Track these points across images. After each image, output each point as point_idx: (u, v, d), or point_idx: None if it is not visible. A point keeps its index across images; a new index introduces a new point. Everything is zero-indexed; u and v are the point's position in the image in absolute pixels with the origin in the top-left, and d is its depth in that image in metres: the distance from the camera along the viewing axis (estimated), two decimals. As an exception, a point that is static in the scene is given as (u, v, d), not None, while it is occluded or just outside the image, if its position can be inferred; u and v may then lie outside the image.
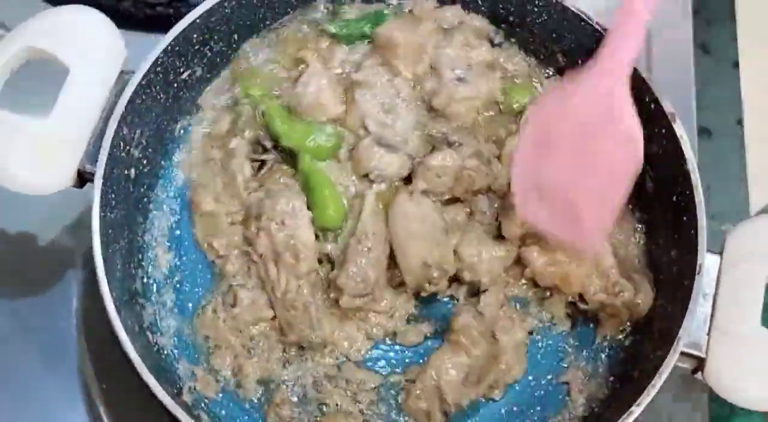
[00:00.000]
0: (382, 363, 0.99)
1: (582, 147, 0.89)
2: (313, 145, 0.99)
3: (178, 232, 1.02)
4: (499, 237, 0.99)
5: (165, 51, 0.95)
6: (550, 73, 1.08)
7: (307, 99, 1.00)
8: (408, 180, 0.99)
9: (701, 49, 1.24)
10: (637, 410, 0.85)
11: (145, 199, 1.00)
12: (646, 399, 0.86)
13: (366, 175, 0.99)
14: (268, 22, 1.04)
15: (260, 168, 1.01)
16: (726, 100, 1.20)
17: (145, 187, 1.00)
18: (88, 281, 1.05)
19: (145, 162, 0.99)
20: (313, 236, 0.97)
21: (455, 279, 0.99)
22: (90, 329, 1.04)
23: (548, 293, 1.00)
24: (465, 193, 0.99)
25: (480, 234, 0.99)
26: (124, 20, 1.12)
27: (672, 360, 0.87)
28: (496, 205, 1.01)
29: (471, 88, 1.02)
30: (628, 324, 0.98)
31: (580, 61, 1.03)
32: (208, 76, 1.04)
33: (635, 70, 0.97)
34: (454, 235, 0.98)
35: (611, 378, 0.97)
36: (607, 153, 0.88)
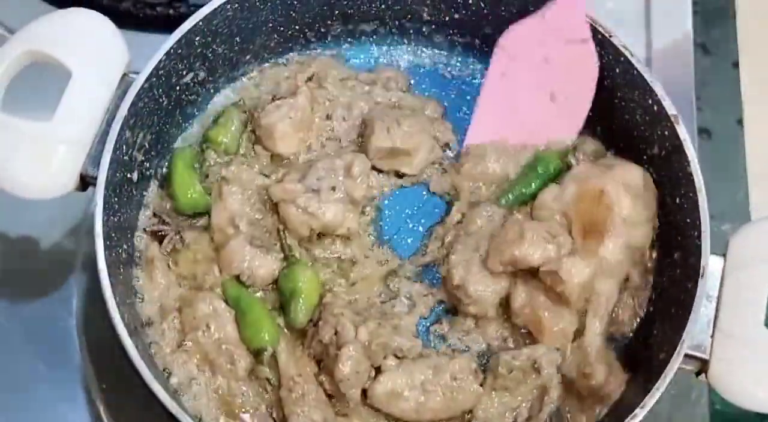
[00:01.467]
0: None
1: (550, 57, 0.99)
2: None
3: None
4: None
5: (168, 54, 0.95)
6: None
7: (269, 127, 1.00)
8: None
9: (701, 49, 1.24)
10: (641, 412, 0.85)
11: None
12: (650, 401, 0.86)
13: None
14: (270, 26, 1.04)
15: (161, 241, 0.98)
16: (726, 100, 1.20)
17: (147, 190, 1.00)
18: (88, 282, 1.06)
19: (147, 165, 0.99)
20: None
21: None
22: (90, 329, 1.04)
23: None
24: (385, 353, 0.93)
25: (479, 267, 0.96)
26: (124, 20, 1.12)
27: (676, 363, 0.87)
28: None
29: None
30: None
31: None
32: (210, 78, 1.04)
33: (638, 72, 0.97)
34: None
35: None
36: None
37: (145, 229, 0.98)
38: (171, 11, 1.15)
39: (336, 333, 0.92)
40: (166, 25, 1.08)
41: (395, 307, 0.98)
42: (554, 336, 0.95)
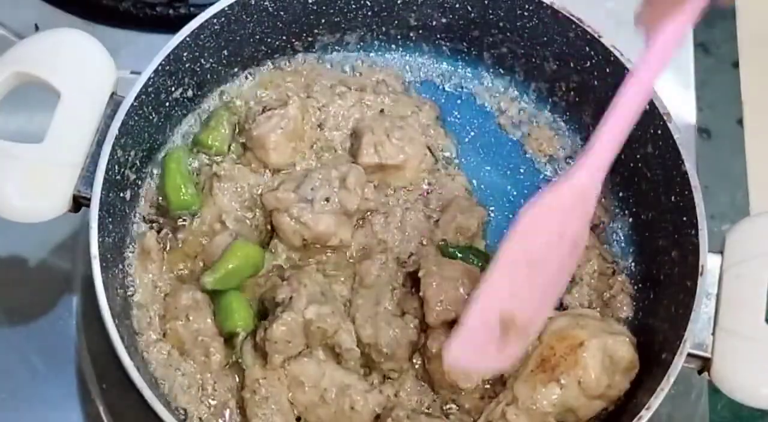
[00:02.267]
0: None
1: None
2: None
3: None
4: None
5: (156, 71, 0.94)
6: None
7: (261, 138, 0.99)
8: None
9: (701, 49, 1.23)
10: (646, 414, 0.85)
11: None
12: (655, 402, 0.85)
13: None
14: (257, 37, 1.03)
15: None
16: (726, 100, 1.20)
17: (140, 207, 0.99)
18: (88, 282, 1.03)
19: (139, 183, 0.99)
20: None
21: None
22: (90, 329, 1.04)
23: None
24: (323, 341, 0.94)
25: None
26: (124, 20, 1.14)
27: (680, 362, 0.87)
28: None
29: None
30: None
31: (572, 64, 1.04)
32: (199, 93, 1.03)
33: (628, 71, 0.97)
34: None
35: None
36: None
37: (144, 217, 0.99)
38: (171, 11, 1.14)
39: (291, 298, 0.92)
40: (166, 25, 1.09)
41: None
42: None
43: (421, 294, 0.94)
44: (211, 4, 0.96)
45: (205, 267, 0.97)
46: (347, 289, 0.98)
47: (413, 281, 0.97)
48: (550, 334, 0.92)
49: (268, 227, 0.99)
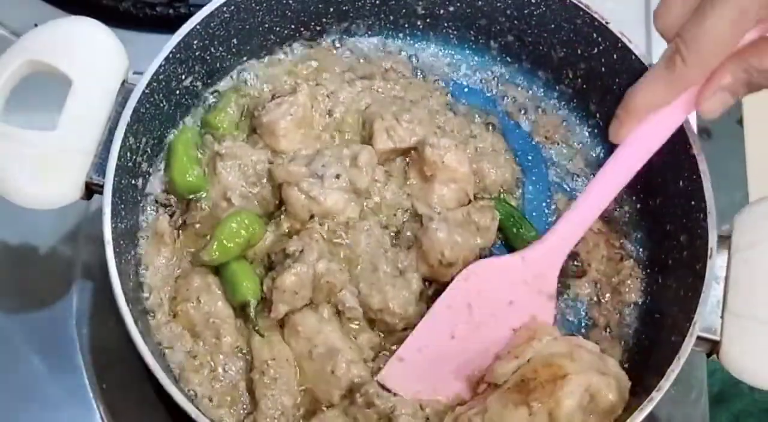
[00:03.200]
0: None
1: (500, 310, 0.94)
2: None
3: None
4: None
5: (167, 59, 0.95)
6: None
7: (271, 125, 1.00)
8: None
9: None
10: (657, 395, 0.86)
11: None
12: (666, 384, 0.86)
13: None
14: (266, 26, 1.04)
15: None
16: None
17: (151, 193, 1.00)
18: (88, 282, 1.06)
19: (150, 170, 0.99)
20: (232, 310, 0.95)
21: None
22: (90, 329, 1.04)
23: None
24: (328, 297, 0.95)
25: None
26: (124, 20, 1.14)
27: (689, 345, 0.87)
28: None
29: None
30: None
31: (579, 51, 1.04)
32: (209, 81, 1.04)
33: (636, 57, 0.98)
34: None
35: (626, 366, 0.97)
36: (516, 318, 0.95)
37: (156, 200, 0.99)
38: (171, 11, 1.15)
39: (302, 251, 0.93)
40: (166, 25, 1.08)
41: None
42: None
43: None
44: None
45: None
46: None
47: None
48: (540, 357, 0.90)
49: (276, 201, 1.00)
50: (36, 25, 1.08)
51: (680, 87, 0.86)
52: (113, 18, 1.12)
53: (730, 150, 1.17)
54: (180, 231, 0.99)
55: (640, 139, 0.92)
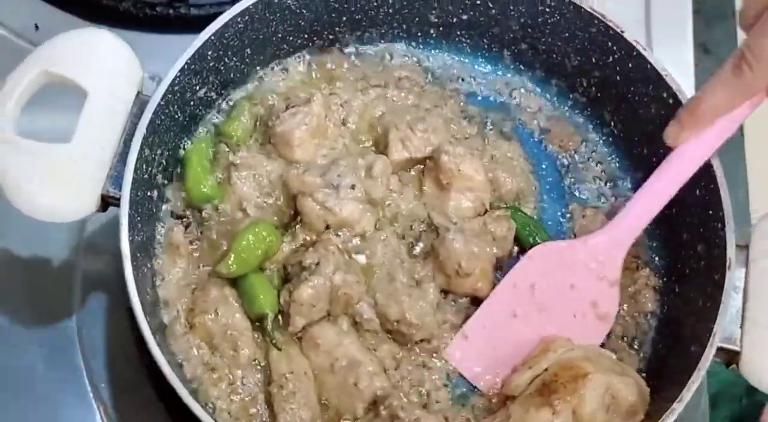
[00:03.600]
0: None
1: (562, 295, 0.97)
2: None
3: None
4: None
5: (182, 70, 0.94)
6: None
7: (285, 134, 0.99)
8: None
9: (701, 49, 1.24)
10: (678, 407, 0.86)
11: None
12: (687, 395, 0.86)
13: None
14: (280, 35, 1.04)
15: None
16: None
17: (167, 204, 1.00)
18: (88, 282, 1.05)
19: (165, 182, 0.99)
20: (249, 322, 0.95)
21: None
22: (90, 329, 1.03)
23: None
24: (345, 309, 0.95)
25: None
26: (124, 20, 1.14)
27: (710, 355, 0.87)
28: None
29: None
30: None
31: (593, 60, 1.04)
32: (222, 91, 1.03)
33: (651, 66, 0.98)
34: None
35: (643, 375, 0.96)
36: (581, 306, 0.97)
37: (172, 213, 0.99)
38: (171, 11, 1.14)
39: (318, 263, 0.93)
40: (166, 25, 1.08)
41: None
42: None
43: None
44: (217, 3, 0.95)
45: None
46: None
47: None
48: (559, 362, 0.91)
49: (291, 211, 0.99)
50: (36, 25, 1.08)
51: (747, 94, 0.88)
52: (113, 18, 1.13)
53: (730, 150, 1.16)
54: (196, 243, 0.98)
55: (703, 137, 0.92)
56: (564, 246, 0.98)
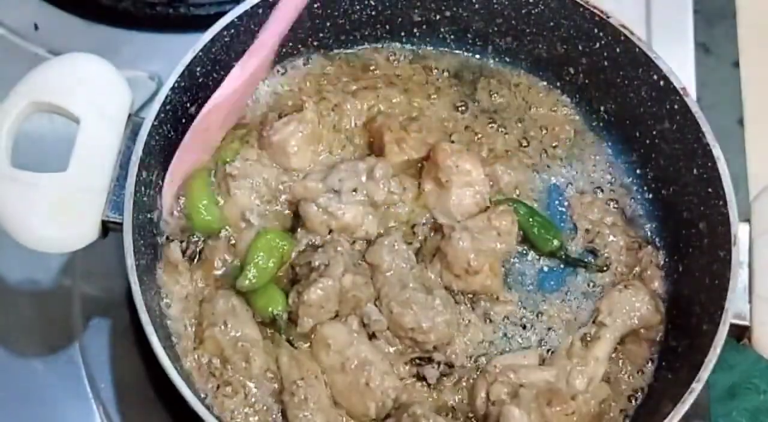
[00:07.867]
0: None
1: None
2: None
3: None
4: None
5: (172, 89, 0.94)
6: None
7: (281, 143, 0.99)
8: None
9: (701, 49, 1.24)
10: (698, 386, 0.86)
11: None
12: (704, 374, 0.87)
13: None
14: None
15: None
16: (726, 100, 1.20)
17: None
18: (88, 283, 1.05)
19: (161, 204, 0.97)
20: (259, 331, 0.95)
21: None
22: (90, 330, 1.03)
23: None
24: (354, 311, 0.95)
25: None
26: (123, 20, 1.14)
27: (723, 332, 0.88)
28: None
29: None
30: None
31: (580, 47, 1.04)
32: (212, 106, 1.02)
33: (640, 49, 0.98)
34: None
35: (654, 356, 0.97)
36: None
37: (168, 237, 0.97)
38: (171, 11, 1.14)
39: (327, 265, 0.93)
40: (166, 25, 1.07)
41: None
42: None
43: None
44: (211, 4, 0.94)
45: (241, 265, 0.96)
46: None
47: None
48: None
49: (293, 217, 0.99)
50: (36, 25, 1.07)
51: None
52: (113, 18, 1.12)
53: (730, 150, 1.17)
54: (197, 258, 0.98)
55: None
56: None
